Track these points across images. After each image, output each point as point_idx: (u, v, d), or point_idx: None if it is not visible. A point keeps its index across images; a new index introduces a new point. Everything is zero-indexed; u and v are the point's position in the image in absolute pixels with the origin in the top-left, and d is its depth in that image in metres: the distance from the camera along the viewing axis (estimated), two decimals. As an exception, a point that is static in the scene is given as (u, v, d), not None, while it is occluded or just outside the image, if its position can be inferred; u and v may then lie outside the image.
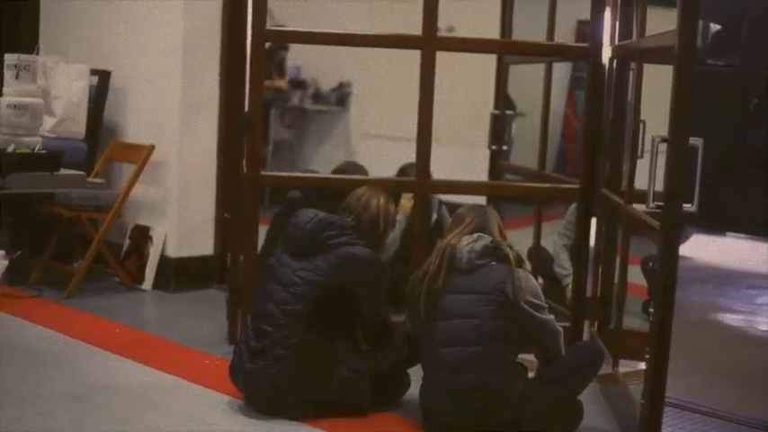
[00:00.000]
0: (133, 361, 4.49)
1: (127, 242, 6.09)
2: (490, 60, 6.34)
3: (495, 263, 3.72)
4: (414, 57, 4.54)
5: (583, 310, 4.75)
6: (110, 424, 3.73)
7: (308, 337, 3.82)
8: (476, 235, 3.79)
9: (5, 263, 5.29)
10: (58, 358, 4.51)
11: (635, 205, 4.03)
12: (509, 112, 5.97)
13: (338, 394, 3.86)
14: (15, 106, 5.43)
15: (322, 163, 9.50)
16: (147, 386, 4.18)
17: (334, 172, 5.53)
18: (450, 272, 3.74)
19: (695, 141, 3.35)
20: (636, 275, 5.28)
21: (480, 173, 6.51)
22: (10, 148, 5.31)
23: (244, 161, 4.65)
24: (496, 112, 5.87)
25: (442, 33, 5.77)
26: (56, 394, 3.99)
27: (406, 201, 5.28)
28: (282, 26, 7.45)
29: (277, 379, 3.79)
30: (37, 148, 5.43)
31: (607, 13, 4.69)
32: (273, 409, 3.84)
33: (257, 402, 3.90)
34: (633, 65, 4.38)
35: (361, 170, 5.55)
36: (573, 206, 5.42)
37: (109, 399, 3.99)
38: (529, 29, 5.81)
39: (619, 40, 4.53)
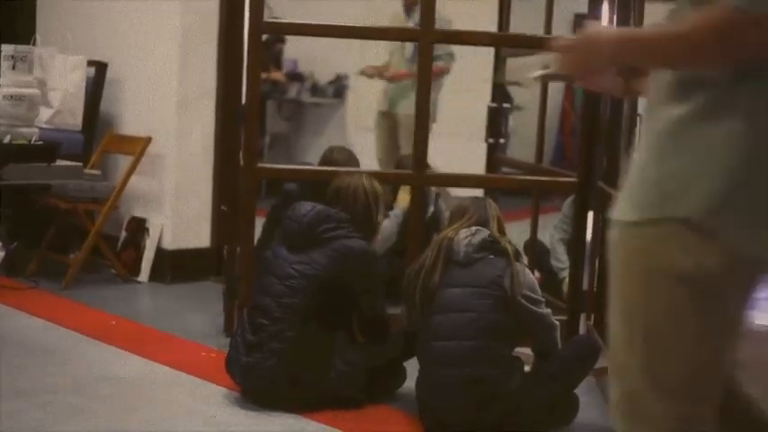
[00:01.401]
0: (129, 353, 4.49)
1: (123, 234, 6.09)
2: (488, 53, 6.34)
3: (492, 256, 3.72)
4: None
5: (579, 303, 4.76)
6: (107, 416, 3.74)
7: (305, 330, 3.82)
8: (474, 228, 3.78)
9: (2, 254, 5.29)
10: (55, 350, 4.51)
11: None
12: (506, 105, 5.96)
13: (334, 387, 3.86)
14: (12, 97, 5.42)
15: (319, 155, 9.49)
16: (144, 378, 4.18)
17: (324, 158, 5.45)
18: (448, 265, 3.74)
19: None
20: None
21: (477, 166, 6.51)
22: (6, 139, 5.31)
23: (241, 153, 4.65)
24: (494, 105, 5.87)
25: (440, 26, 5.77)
26: (53, 386, 3.99)
27: (405, 194, 5.27)
28: (279, 18, 7.44)
29: (273, 372, 3.79)
30: (33, 140, 5.43)
31: (605, 7, 4.69)
32: (270, 402, 3.85)
33: (254, 395, 3.90)
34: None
35: (351, 155, 5.48)
36: (569, 199, 5.43)
37: (106, 391, 3.99)
38: (526, 22, 5.80)
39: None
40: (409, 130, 7.02)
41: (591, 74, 1.99)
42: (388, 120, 7.20)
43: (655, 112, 1.89)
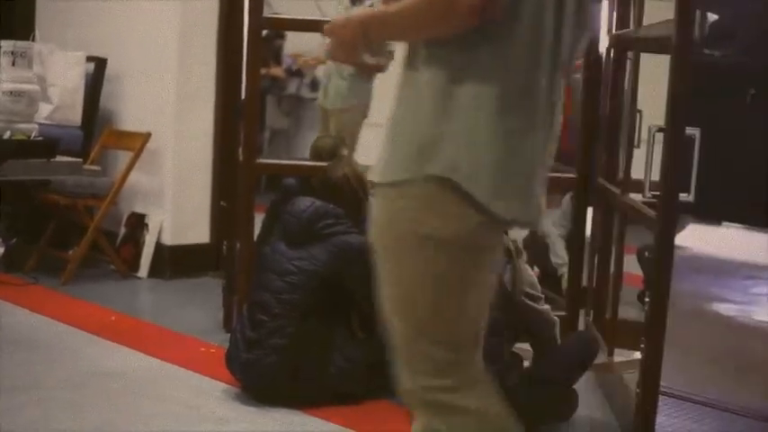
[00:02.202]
0: (129, 348, 4.49)
1: (123, 230, 6.09)
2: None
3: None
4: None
5: (578, 299, 4.76)
6: (107, 411, 3.74)
7: (304, 326, 3.82)
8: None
9: (1, 250, 5.29)
10: (55, 345, 4.51)
11: (631, 195, 4.04)
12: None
13: (334, 383, 3.86)
14: (12, 93, 5.40)
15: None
16: (144, 374, 4.18)
17: (311, 149, 5.36)
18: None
19: (692, 131, 3.35)
20: (632, 265, 5.28)
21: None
22: (6, 135, 5.30)
23: (240, 149, 4.64)
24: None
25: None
26: (53, 381, 3.99)
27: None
28: (279, 14, 7.43)
29: (273, 369, 3.79)
30: (33, 135, 5.41)
31: (605, 3, 4.68)
32: (270, 398, 3.85)
33: (254, 391, 3.90)
34: (630, 54, 4.37)
35: (336, 143, 5.41)
36: (568, 196, 5.42)
37: (106, 386, 3.99)
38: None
39: (616, 30, 4.53)
40: (336, 124, 6.88)
41: (349, 53, 2.12)
42: (323, 114, 7.00)
43: (408, 79, 2.03)
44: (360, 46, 2.07)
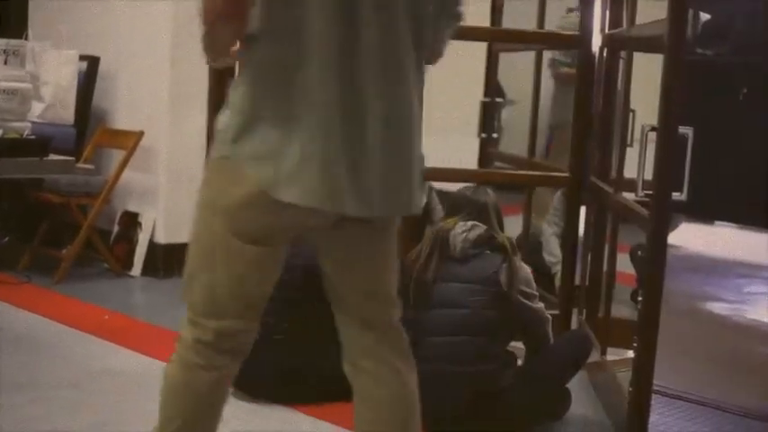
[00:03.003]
0: (123, 347, 4.49)
1: (116, 228, 6.08)
2: (480, 48, 6.34)
3: (489, 252, 3.70)
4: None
5: (571, 298, 4.76)
6: (105, 410, 3.74)
7: (297, 321, 3.81)
8: (470, 223, 3.75)
9: (-6, 248, 5.29)
10: (48, 344, 4.51)
11: (624, 194, 4.04)
12: (499, 99, 5.96)
13: (332, 378, 3.85)
14: (4, 91, 5.39)
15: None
16: (139, 372, 4.18)
17: None
18: (443, 260, 3.72)
19: (685, 130, 3.36)
20: (625, 264, 5.29)
21: (470, 160, 6.50)
22: (-2, 134, 5.30)
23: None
24: (487, 99, 5.86)
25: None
26: (48, 381, 3.99)
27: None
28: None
29: (268, 366, 3.77)
30: (25, 134, 5.41)
31: (597, 2, 4.69)
32: (265, 396, 3.85)
33: (249, 389, 3.89)
34: (623, 53, 4.38)
35: None
36: (559, 192, 5.43)
37: (102, 385, 3.99)
38: (519, 17, 5.80)
39: (609, 29, 4.53)
40: None
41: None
42: None
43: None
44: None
